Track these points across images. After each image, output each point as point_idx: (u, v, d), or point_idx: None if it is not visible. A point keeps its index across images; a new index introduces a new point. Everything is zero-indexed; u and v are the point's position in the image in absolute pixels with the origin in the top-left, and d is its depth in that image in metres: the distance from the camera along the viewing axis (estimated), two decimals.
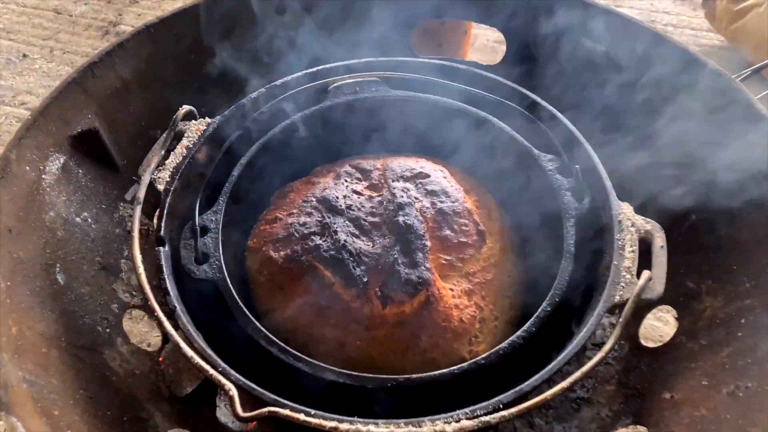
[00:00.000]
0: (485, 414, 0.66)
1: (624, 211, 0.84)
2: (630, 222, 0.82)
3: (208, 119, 0.94)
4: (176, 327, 0.73)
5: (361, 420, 0.65)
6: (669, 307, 1.04)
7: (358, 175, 0.95)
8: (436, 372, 0.73)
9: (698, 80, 1.02)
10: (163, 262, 0.79)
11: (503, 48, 1.29)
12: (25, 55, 2.11)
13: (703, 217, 0.99)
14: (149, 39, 1.06)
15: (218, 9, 1.11)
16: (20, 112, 1.92)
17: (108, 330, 0.90)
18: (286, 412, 0.65)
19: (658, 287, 0.76)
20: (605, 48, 1.12)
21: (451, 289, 0.84)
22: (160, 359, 0.93)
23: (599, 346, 1.03)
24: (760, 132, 0.90)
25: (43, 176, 0.90)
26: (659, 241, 0.80)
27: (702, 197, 1.00)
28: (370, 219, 0.88)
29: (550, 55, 1.17)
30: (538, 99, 0.98)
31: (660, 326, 1.18)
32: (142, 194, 0.84)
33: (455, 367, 0.74)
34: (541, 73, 1.16)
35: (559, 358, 0.72)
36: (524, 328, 0.76)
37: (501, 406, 0.67)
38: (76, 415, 0.72)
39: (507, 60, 1.24)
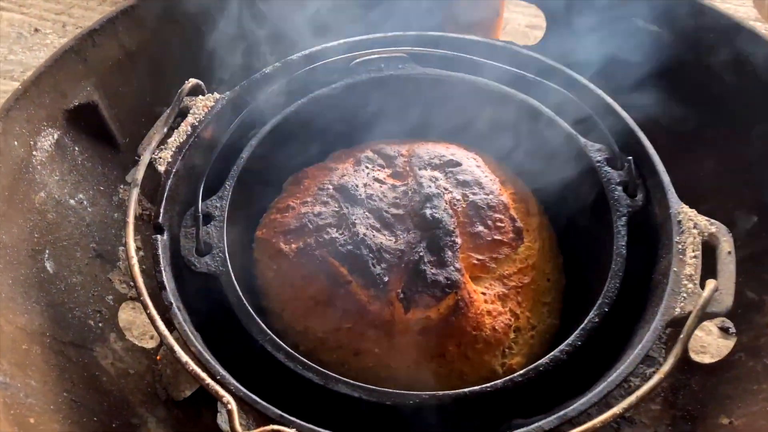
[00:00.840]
0: None
1: (684, 210, 0.74)
2: (692, 223, 0.73)
3: (216, 95, 0.86)
4: (171, 327, 0.65)
5: None
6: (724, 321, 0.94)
7: (380, 161, 0.87)
8: (465, 389, 0.64)
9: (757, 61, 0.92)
10: (160, 252, 0.71)
11: (536, 33, 1.20)
12: (36, 30, 2.06)
13: (766, 220, 0.89)
14: (157, 6, 0.97)
15: None
16: None
17: (101, 324, 0.83)
18: (293, 431, 0.56)
19: (727, 299, 0.67)
20: (659, 29, 1.02)
21: (483, 293, 0.75)
22: (159, 357, 0.85)
23: (644, 361, 0.94)
24: None
25: (34, 153, 0.83)
26: (726, 246, 0.70)
27: (764, 198, 0.91)
28: (393, 211, 0.80)
29: (596, 34, 1.06)
30: (585, 81, 0.89)
31: (702, 336, 1.08)
32: (140, 176, 0.76)
33: (488, 385, 0.65)
34: (586, 54, 1.05)
35: (610, 379, 0.63)
36: (568, 341, 0.67)
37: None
38: (56, 422, 0.64)
39: (547, 40, 1.14)
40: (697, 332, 1.05)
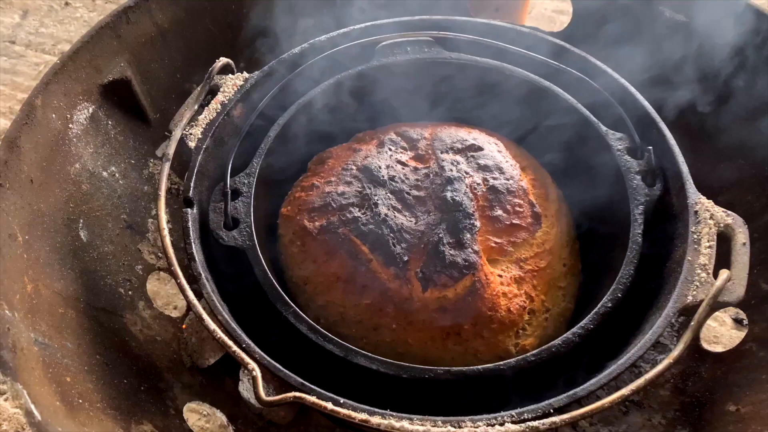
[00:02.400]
0: (533, 418, 0.59)
1: (702, 201, 0.75)
2: (708, 213, 0.74)
3: (246, 74, 0.88)
4: (200, 296, 0.68)
5: (394, 414, 0.59)
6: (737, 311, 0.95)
7: (403, 143, 0.88)
8: (479, 366, 0.67)
9: None
10: (189, 225, 0.73)
11: (562, 18, 1.19)
12: (67, 3, 2.09)
13: None
14: None
15: None
16: None
17: (130, 292, 0.86)
18: (313, 399, 0.59)
19: (739, 289, 0.68)
20: (685, 18, 1.01)
21: (500, 276, 0.77)
22: (184, 326, 0.88)
23: (655, 346, 0.95)
24: None
25: (70, 125, 0.85)
26: (741, 237, 0.72)
27: None
28: (415, 193, 0.82)
29: (622, 22, 1.06)
30: (608, 69, 0.89)
31: (716, 326, 1.09)
32: (171, 150, 0.78)
33: (501, 363, 0.67)
34: (612, 43, 1.05)
35: (620, 362, 0.64)
36: (581, 324, 0.69)
37: (551, 410, 0.60)
38: (90, 382, 0.68)
39: (572, 27, 1.14)
40: (710, 323, 1.07)
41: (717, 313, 1.08)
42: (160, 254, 0.94)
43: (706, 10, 0.98)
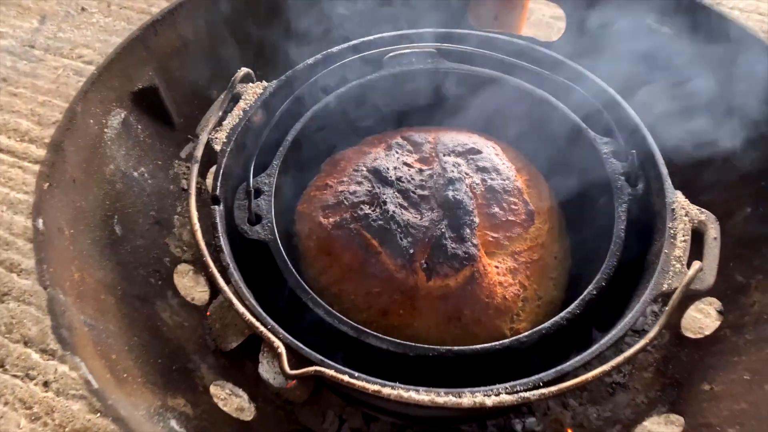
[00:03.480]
0: (525, 390, 0.67)
1: (678, 199, 0.83)
2: (684, 211, 0.81)
3: (264, 82, 0.96)
4: (228, 284, 0.76)
5: (402, 386, 0.67)
6: (713, 299, 1.02)
7: (409, 147, 0.96)
8: (477, 346, 0.74)
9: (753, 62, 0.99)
10: (217, 220, 0.81)
11: (559, 24, 1.27)
12: (83, 9, 2.16)
13: (759, 211, 0.97)
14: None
15: None
16: (77, 64, 1.97)
17: (160, 282, 0.94)
18: (331, 372, 0.67)
19: (709, 279, 0.76)
20: (669, 30, 1.09)
21: (497, 267, 0.84)
22: (208, 314, 0.97)
23: (639, 333, 1.03)
24: None
25: (105, 130, 0.93)
26: (713, 232, 0.79)
27: (757, 191, 0.98)
28: (419, 192, 0.89)
29: (611, 33, 1.14)
30: (598, 79, 0.97)
31: (701, 318, 1.17)
32: (199, 153, 0.86)
33: (497, 343, 0.75)
34: (601, 52, 1.13)
35: (602, 341, 0.72)
36: (568, 309, 0.77)
37: (541, 383, 0.68)
38: (131, 360, 0.76)
39: (566, 37, 1.22)
40: (696, 314, 1.15)
41: (702, 305, 1.16)
42: (185, 248, 1.02)
43: (686, 25, 1.06)
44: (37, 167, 1.66)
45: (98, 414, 1.23)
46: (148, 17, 2.04)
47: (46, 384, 1.27)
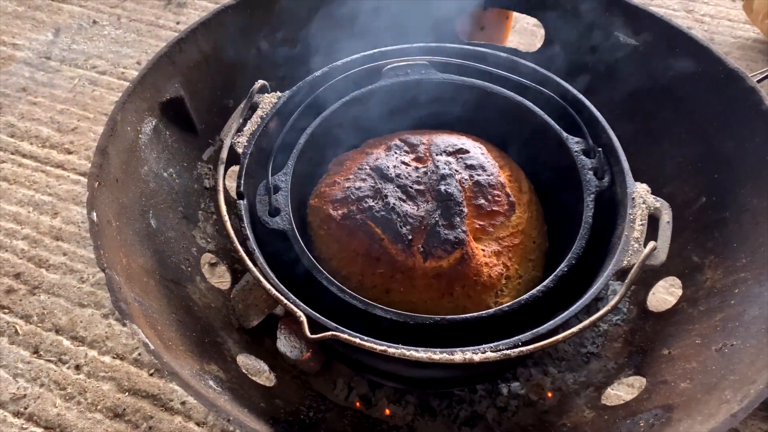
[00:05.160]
0: (506, 348, 0.80)
1: (638, 190, 0.96)
2: (642, 200, 0.95)
3: (278, 93, 1.08)
4: (255, 265, 0.89)
5: (404, 347, 0.80)
6: (679, 282, 1.16)
7: (406, 148, 1.08)
8: (467, 315, 0.88)
9: (712, 74, 1.12)
10: (243, 213, 0.94)
11: (542, 32, 1.40)
12: (95, 22, 2.27)
13: (712, 200, 1.10)
14: (227, 18, 1.19)
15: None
16: (91, 74, 2.09)
17: (189, 269, 1.06)
18: (346, 336, 0.80)
19: (661, 256, 0.88)
20: (635, 42, 1.23)
21: (483, 250, 0.98)
22: (231, 296, 1.09)
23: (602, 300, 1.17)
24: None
25: (140, 136, 1.05)
26: (666, 217, 0.93)
27: (711, 182, 1.12)
28: (416, 187, 1.01)
29: (585, 45, 1.27)
30: (569, 87, 1.09)
31: (670, 299, 1.30)
32: (224, 155, 0.98)
33: (483, 312, 0.88)
34: (575, 61, 1.27)
35: (572, 309, 0.85)
36: (544, 283, 0.90)
37: (520, 343, 0.81)
38: (172, 332, 0.88)
39: (544, 47, 1.35)
40: (666, 297, 1.28)
41: (673, 289, 1.29)
42: (209, 239, 1.15)
43: (649, 37, 1.20)
44: (58, 171, 1.79)
45: (126, 393, 1.36)
46: (156, 29, 2.18)
47: (77, 367, 1.40)
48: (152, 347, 0.74)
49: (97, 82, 2.06)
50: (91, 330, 1.46)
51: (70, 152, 1.85)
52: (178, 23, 2.27)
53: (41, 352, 1.43)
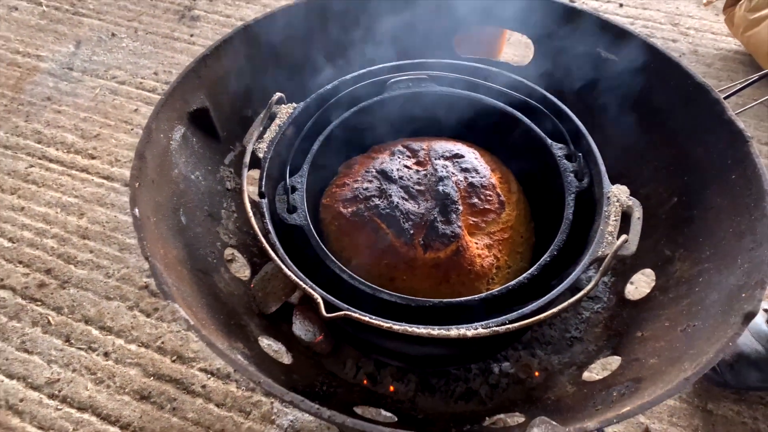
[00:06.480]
0: (495, 326, 0.93)
1: (613, 190, 1.09)
2: (616, 198, 1.07)
3: (294, 104, 1.21)
4: (276, 255, 1.01)
5: (407, 324, 0.93)
6: (653, 273, 1.28)
7: (408, 153, 1.19)
8: (461, 299, 1.00)
9: (682, 87, 1.24)
10: (265, 210, 1.07)
11: (533, 46, 1.52)
12: (113, 34, 2.41)
13: (682, 200, 1.23)
14: (246, 36, 1.32)
15: (300, 16, 1.37)
16: (112, 84, 2.22)
17: (215, 261, 1.19)
18: (357, 315, 0.92)
19: (632, 247, 1.00)
20: (616, 58, 1.36)
21: (476, 243, 1.10)
22: (252, 285, 1.22)
23: (593, 299, 1.30)
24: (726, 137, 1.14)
25: (171, 142, 1.18)
26: (637, 213, 1.05)
27: (682, 184, 1.24)
28: (417, 187, 1.11)
29: (570, 60, 1.40)
30: (554, 98, 1.22)
31: (647, 290, 1.42)
32: (247, 160, 1.11)
33: (475, 297, 1.00)
34: (561, 74, 1.40)
35: (552, 292, 0.98)
36: (529, 271, 1.02)
37: (507, 322, 0.94)
38: (204, 314, 1.01)
39: (534, 61, 1.48)
40: (643, 288, 1.41)
41: (651, 281, 1.40)
42: (230, 235, 1.27)
43: (626, 54, 1.32)
44: (83, 175, 1.92)
45: (151, 377, 1.48)
46: (171, 41, 2.31)
47: (106, 354, 1.52)
48: (192, 323, 0.86)
49: (117, 92, 2.19)
50: (118, 321, 1.59)
51: (93, 157, 1.98)
52: (191, 36, 2.40)
53: (72, 341, 1.55)
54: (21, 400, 1.45)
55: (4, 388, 1.47)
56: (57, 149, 1.99)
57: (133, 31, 2.42)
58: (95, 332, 1.57)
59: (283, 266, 0.97)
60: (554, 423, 0.84)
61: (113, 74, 2.25)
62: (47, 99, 2.15)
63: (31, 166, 1.94)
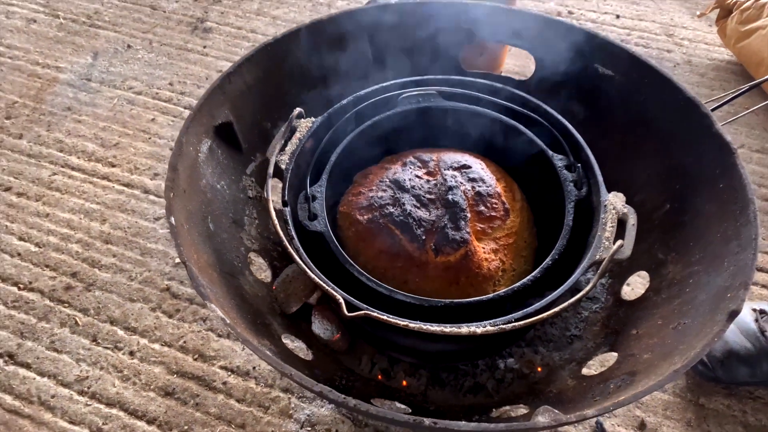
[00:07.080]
0: (502, 324, 1.01)
1: (610, 198, 1.18)
2: (612, 206, 1.16)
3: (312, 118, 1.30)
4: (289, 263, 1.10)
5: (421, 322, 1.01)
6: (647, 275, 1.36)
7: (419, 164, 1.26)
8: (470, 299, 1.09)
9: (674, 100, 1.33)
10: (289, 217, 1.16)
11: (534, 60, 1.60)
12: (129, 46, 2.49)
13: (675, 206, 1.31)
14: (266, 54, 1.40)
15: (317, 34, 1.46)
16: (129, 95, 2.31)
17: (240, 265, 1.28)
18: (375, 314, 1.01)
19: (627, 251, 1.09)
20: (612, 73, 1.45)
21: (483, 248, 1.18)
22: (274, 287, 1.31)
23: (592, 300, 1.39)
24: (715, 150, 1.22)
25: (199, 154, 1.26)
26: (632, 220, 1.14)
27: (674, 192, 1.33)
28: (428, 196, 1.17)
29: (569, 74, 1.49)
30: (554, 112, 1.31)
31: (642, 292, 1.51)
32: (271, 170, 1.19)
33: (483, 297, 1.09)
34: (560, 87, 1.49)
35: (555, 293, 1.07)
36: (533, 274, 1.11)
37: (513, 320, 1.02)
38: (234, 313, 1.09)
39: (535, 74, 1.57)
40: (639, 290, 1.49)
41: (647, 284, 1.49)
42: (253, 240, 1.36)
43: (622, 69, 1.41)
44: (104, 182, 2.00)
45: (175, 375, 1.57)
46: (185, 53, 2.40)
47: (131, 353, 1.61)
48: (228, 321, 0.95)
49: (134, 102, 2.28)
50: (141, 321, 1.67)
51: (113, 165, 2.07)
52: (204, 47, 2.49)
53: (99, 340, 1.64)
54: (52, 397, 1.53)
55: (36, 386, 1.55)
56: (78, 158, 2.08)
57: (148, 42, 2.50)
58: (120, 332, 1.65)
59: (307, 269, 1.06)
60: (556, 411, 0.93)
61: (130, 85, 2.33)
62: (67, 109, 2.24)
63: (55, 174, 2.03)
